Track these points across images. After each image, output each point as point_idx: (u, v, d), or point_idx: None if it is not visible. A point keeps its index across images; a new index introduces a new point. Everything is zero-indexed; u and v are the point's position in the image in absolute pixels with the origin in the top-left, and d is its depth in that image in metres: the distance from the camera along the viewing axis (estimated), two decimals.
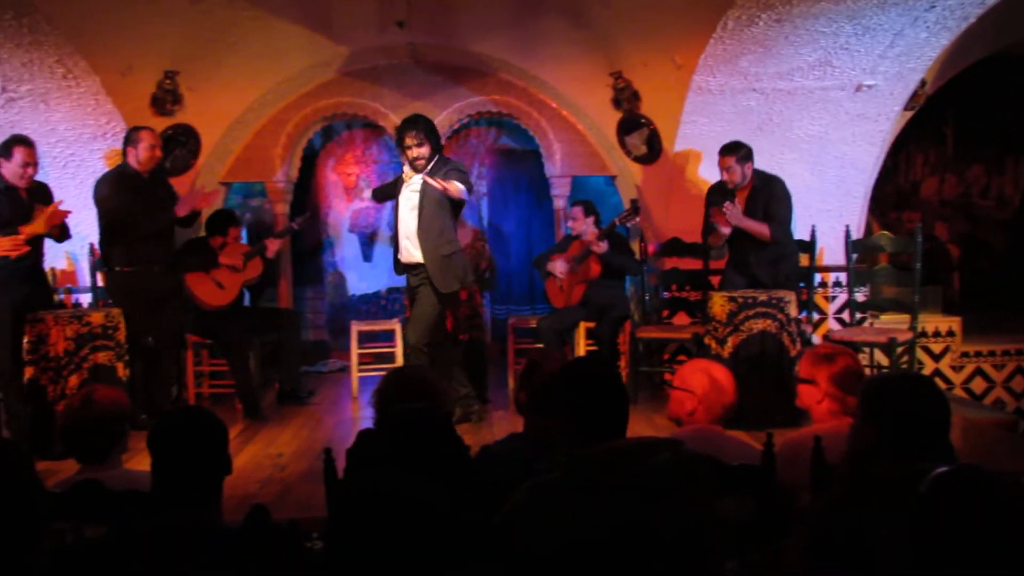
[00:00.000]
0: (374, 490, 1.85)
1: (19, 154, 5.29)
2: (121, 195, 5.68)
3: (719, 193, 6.06)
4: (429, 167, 5.42)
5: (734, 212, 5.87)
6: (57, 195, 5.61)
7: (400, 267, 5.67)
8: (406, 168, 5.56)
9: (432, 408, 2.56)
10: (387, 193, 5.82)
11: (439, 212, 5.41)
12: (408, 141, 5.42)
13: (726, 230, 5.95)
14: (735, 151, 5.90)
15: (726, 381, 3.12)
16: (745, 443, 3.19)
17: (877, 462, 2.29)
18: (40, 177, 5.56)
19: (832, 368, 3.12)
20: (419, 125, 5.43)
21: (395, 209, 5.64)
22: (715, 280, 6.48)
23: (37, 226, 5.30)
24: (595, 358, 2.81)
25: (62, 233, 5.57)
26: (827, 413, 3.15)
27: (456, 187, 5.27)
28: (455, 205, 5.51)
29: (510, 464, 2.75)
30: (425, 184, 5.36)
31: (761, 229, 5.89)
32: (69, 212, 5.46)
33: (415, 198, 5.45)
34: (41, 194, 5.50)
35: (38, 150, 5.46)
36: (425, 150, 5.41)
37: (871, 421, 2.32)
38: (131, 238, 5.72)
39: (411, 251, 5.51)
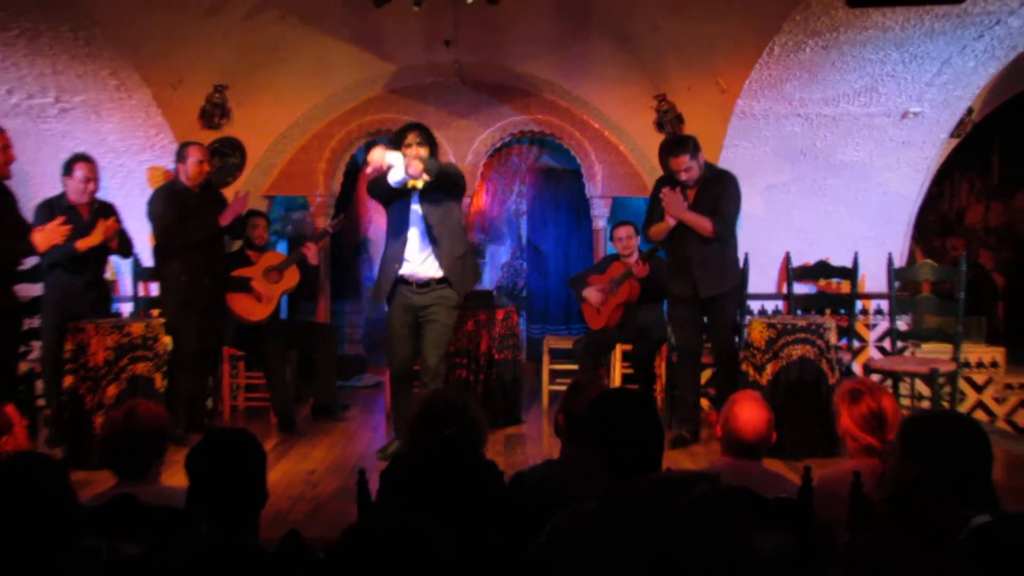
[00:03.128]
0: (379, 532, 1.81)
1: (80, 170, 5.44)
2: (169, 210, 5.79)
3: (668, 184, 5.63)
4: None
5: (674, 201, 5.46)
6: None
7: (392, 286, 5.28)
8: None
9: (464, 435, 2.55)
10: (381, 187, 5.23)
11: (452, 211, 5.26)
12: (410, 139, 5.16)
13: (672, 221, 5.56)
14: (685, 148, 5.43)
15: (746, 416, 3.06)
16: (782, 476, 3.14)
17: (916, 502, 2.24)
18: None
19: (854, 408, 3.06)
20: (422, 128, 5.27)
21: (394, 224, 5.34)
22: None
23: (92, 238, 5.40)
24: (628, 391, 2.78)
25: (122, 247, 5.69)
26: (851, 450, 3.11)
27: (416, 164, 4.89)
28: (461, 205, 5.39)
29: (545, 492, 2.72)
30: (426, 189, 5.07)
31: (703, 223, 5.45)
32: (117, 226, 5.57)
33: (419, 206, 5.20)
34: (105, 213, 5.61)
35: (99, 166, 5.59)
36: (424, 152, 5.13)
37: (910, 460, 2.28)
38: (180, 251, 5.81)
39: (419, 265, 5.22)
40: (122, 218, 5.75)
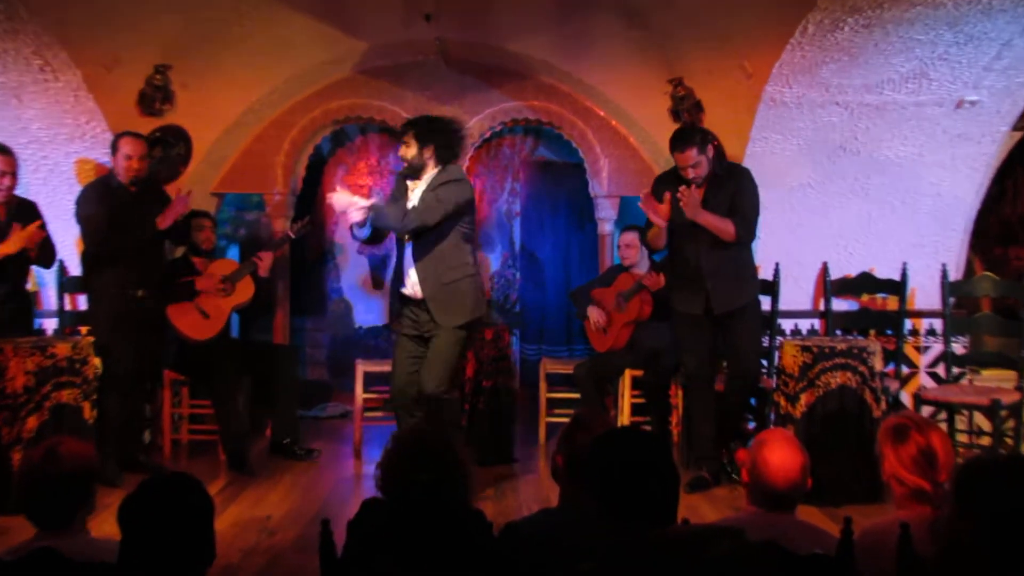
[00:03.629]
0: None
1: None
2: (100, 210, 5.79)
3: (670, 182, 5.66)
4: (424, 177, 5.31)
5: (691, 200, 5.45)
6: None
7: (400, 301, 5.47)
8: (409, 182, 5.43)
9: (448, 482, 2.55)
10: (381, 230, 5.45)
11: (440, 229, 5.25)
12: (405, 139, 5.33)
13: (660, 222, 5.60)
14: (691, 141, 5.50)
15: (778, 460, 3.05)
16: (818, 529, 3.13)
17: (973, 563, 2.24)
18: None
19: (900, 448, 3.05)
20: (416, 125, 5.35)
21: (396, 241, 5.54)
22: None
23: (8, 245, 5.40)
24: (636, 430, 2.78)
25: (44, 255, 5.70)
26: (899, 497, 3.10)
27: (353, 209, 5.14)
28: (462, 222, 5.33)
29: (540, 546, 2.71)
30: (423, 197, 5.25)
31: (724, 226, 5.49)
32: (44, 234, 5.59)
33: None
34: (24, 213, 5.62)
35: (18, 159, 5.59)
36: (411, 152, 5.27)
37: (966, 514, 2.28)
38: (112, 258, 5.81)
39: (416, 284, 5.33)
40: (46, 219, 5.76)
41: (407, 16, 6.54)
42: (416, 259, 5.27)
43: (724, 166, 5.65)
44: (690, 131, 5.65)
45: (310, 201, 8.67)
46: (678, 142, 5.54)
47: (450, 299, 5.26)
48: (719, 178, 5.58)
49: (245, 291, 6.58)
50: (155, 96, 6.54)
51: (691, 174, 5.51)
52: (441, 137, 5.33)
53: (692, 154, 5.47)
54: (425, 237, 5.23)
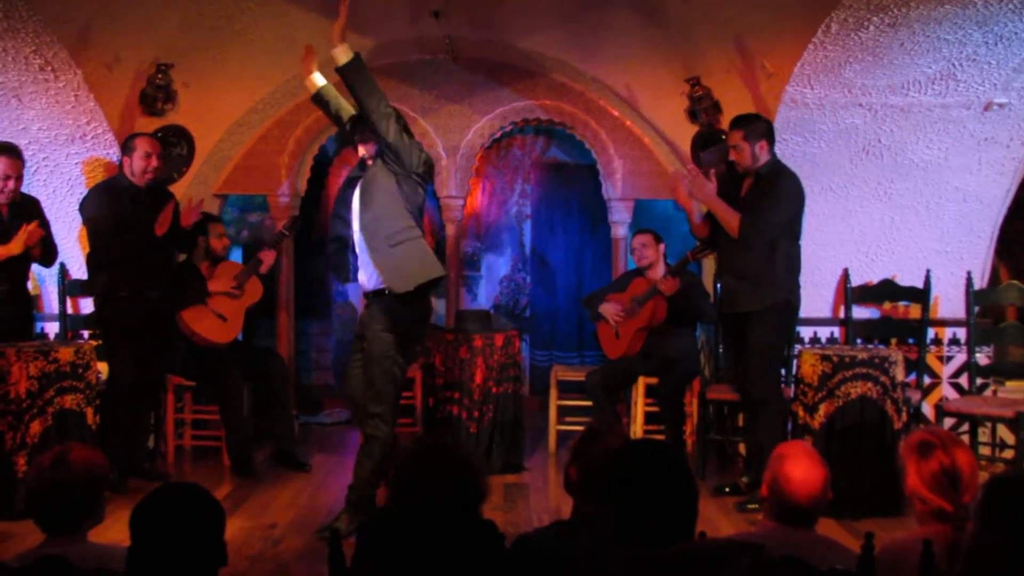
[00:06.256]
0: None
1: None
2: (106, 211, 5.86)
3: (729, 171, 5.86)
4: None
5: (697, 182, 5.67)
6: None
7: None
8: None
9: (460, 493, 2.59)
10: None
11: (386, 198, 4.97)
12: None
13: (682, 200, 5.87)
14: (740, 124, 5.65)
15: (801, 476, 3.07)
16: (837, 544, 3.16)
17: None
18: None
19: (923, 464, 3.06)
20: (359, 128, 5.17)
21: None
22: None
23: (12, 247, 5.47)
24: (653, 443, 2.81)
25: (46, 254, 5.77)
26: (920, 513, 3.12)
27: None
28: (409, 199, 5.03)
29: (554, 560, 2.75)
30: (370, 174, 5.07)
31: (730, 219, 5.59)
32: (42, 232, 5.66)
33: (358, 196, 5.18)
34: (29, 211, 5.68)
35: (23, 160, 5.67)
36: (371, 148, 5.11)
37: (990, 531, 2.31)
38: (118, 262, 5.89)
39: (363, 270, 5.17)
40: (47, 217, 5.83)
41: (415, 13, 6.59)
42: (364, 232, 5.02)
43: (772, 166, 5.65)
44: (752, 116, 5.78)
45: (315, 201, 8.73)
46: (732, 122, 5.75)
47: (398, 262, 4.97)
48: (763, 176, 5.63)
49: (255, 292, 6.68)
50: (157, 96, 6.59)
51: (732, 155, 5.69)
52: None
53: (737, 136, 5.62)
54: (371, 212, 5.01)
